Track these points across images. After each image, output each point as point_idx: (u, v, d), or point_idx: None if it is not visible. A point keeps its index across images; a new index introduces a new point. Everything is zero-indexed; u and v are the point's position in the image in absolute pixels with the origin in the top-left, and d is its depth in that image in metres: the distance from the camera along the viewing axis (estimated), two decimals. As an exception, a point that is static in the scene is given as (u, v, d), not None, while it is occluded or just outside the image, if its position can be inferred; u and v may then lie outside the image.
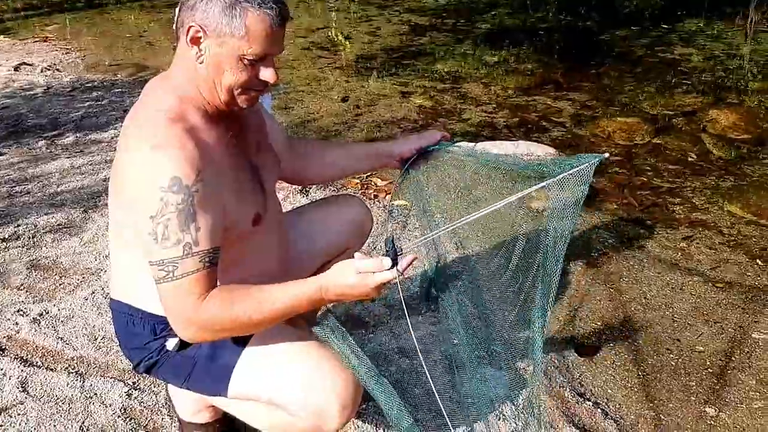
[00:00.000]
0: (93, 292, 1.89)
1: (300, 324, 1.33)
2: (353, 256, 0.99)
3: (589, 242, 2.34)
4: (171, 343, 1.14)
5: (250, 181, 1.10)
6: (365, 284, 0.97)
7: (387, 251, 0.97)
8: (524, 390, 1.34)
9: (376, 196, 2.56)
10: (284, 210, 1.34)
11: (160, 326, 1.13)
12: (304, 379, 1.07)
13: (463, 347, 1.42)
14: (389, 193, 2.55)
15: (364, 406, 1.41)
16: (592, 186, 2.67)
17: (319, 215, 1.41)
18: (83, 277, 1.97)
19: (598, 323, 1.84)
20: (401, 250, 0.97)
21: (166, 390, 1.45)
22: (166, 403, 1.50)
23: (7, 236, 2.16)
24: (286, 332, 1.14)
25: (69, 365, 1.60)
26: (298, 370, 1.08)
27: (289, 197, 2.50)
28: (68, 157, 2.79)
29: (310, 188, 2.59)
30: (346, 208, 1.42)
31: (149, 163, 0.94)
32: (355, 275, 0.98)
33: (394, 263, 0.96)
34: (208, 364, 1.13)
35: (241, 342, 1.12)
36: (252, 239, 1.12)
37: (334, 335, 1.06)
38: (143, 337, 1.13)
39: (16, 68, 4.10)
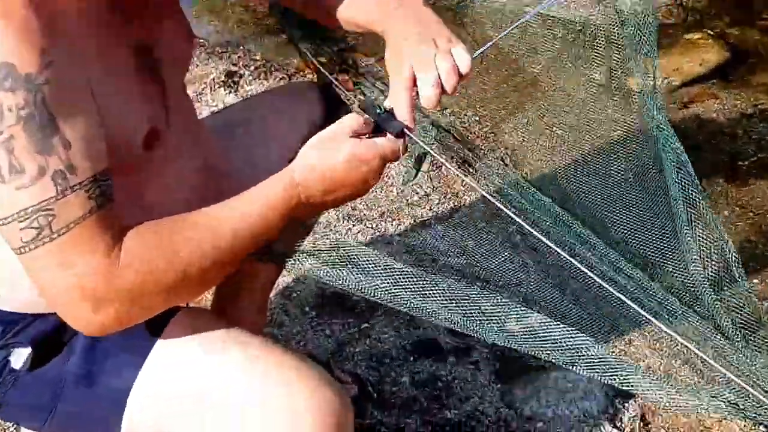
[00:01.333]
0: None
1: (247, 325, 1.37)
2: None
3: (734, 150, 2.38)
4: (18, 357, 1.14)
5: (139, 74, 1.11)
6: (361, 152, 1.07)
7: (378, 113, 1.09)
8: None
9: (357, 84, 2.51)
10: (200, 116, 1.40)
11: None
12: (263, 405, 1.09)
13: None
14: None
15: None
16: (734, 47, 2.74)
17: (260, 120, 1.45)
18: None
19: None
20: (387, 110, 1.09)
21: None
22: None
23: None
24: (221, 330, 1.18)
25: None
26: (252, 389, 1.10)
27: (205, 92, 2.50)
28: None
29: (242, 76, 2.62)
30: (301, 105, 1.46)
31: None
32: (339, 137, 1.08)
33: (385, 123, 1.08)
34: (83, 390, 1.13)
35: (139, 347, 1.14)
36: (146, 170, 1.13)
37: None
38: (-31, 347, 1.08)
39: None
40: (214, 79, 2.62)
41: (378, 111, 1.09)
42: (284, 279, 1.95)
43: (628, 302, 1.09)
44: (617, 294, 1.09)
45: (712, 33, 2.93)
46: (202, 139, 1.30)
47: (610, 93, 1.78)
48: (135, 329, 1.05)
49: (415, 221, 2.21)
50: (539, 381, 1.74)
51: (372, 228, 2.21)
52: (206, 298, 1.83)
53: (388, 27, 1.21)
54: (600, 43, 1.74)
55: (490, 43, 1.29)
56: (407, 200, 2.26)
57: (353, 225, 2.22)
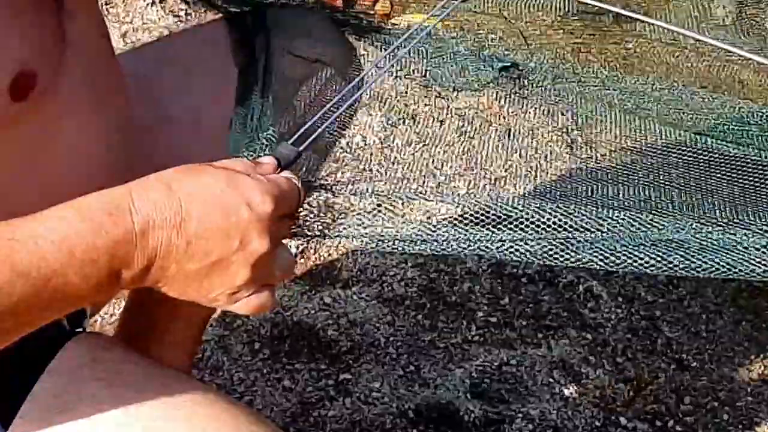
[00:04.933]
0: None
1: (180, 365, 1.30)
2: None
3: None
4: None
5: None
6: (240, 182, 0.83)
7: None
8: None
9: (348, 2, 2.38)
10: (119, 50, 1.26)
11: None
12: None
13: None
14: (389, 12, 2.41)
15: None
16: None
17: (187, 62, 1.32)
18: None
19: None
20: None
21: None
22: None
23: None
24: (136, 368, 1.00)
25: None
26: None
27: (115, 2, 2.21)
28: None
29: None
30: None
31: None
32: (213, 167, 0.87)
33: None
34: None
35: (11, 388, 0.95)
36: (22, 129, 0.94)
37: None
38: None
39: None
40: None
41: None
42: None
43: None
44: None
45: None
46: (116, 84, 1.14)
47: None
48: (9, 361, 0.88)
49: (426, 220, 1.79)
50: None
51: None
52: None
53: None
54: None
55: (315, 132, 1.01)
56: (416, 184, 1.85)
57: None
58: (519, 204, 0.95)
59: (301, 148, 0.90)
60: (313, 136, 0.93)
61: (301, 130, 0.92)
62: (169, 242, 0.78)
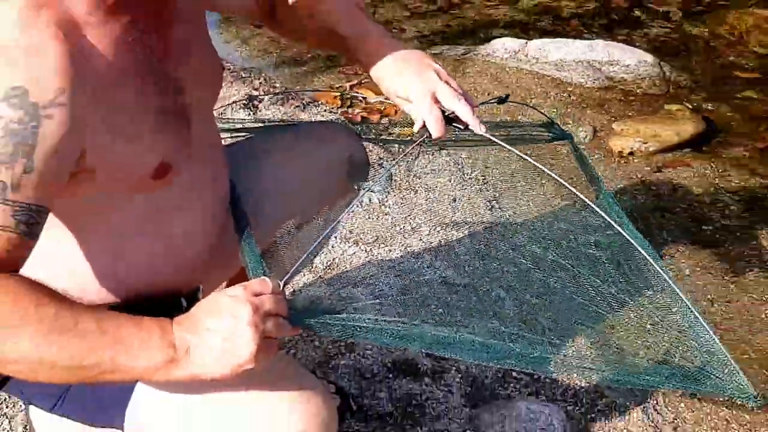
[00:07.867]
0: None
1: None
2: None
3: (700, 215, 2.42)
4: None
5: (162, 111, 1.11)
6: (237, 296, 1.01)
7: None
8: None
9: (364, 119, 2.78)
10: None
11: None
12: (249, 406, 1.10)
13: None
14: (387, 115, 2.90)
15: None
16: (708, 121, 2.98)
17: (281, 154, 1.48)
18: None
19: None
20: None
21: (27, 416, 1.35)
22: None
23: None
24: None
25: None
26: (250, 398, 1.10)
27: (226, 112, 2.60)
28: None
29: (261, 100, 2.82)
30: (326, 143, 1.50)
31: None
32: (227, 294, 1.02)
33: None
34: None
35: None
36: (163, 198, 1.15)
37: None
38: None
39: None
40: (236, 101, 2.79)
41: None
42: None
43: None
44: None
45: (690, 106, 3.19)
46: (218, 171, 1.30)
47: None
48: None
49: (405, 249, 2.32)
50: (506, 409, 1.79)
51: (365, 252, 2.30)
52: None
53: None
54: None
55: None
56: (400, 228, 2.41)
57: (349, 247, 2.31)
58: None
59: (283, 281, 1.04)
60: (293, 269, 1.07)
61: (289, 273, 1.06)
62: (185, 339, 0.95)
